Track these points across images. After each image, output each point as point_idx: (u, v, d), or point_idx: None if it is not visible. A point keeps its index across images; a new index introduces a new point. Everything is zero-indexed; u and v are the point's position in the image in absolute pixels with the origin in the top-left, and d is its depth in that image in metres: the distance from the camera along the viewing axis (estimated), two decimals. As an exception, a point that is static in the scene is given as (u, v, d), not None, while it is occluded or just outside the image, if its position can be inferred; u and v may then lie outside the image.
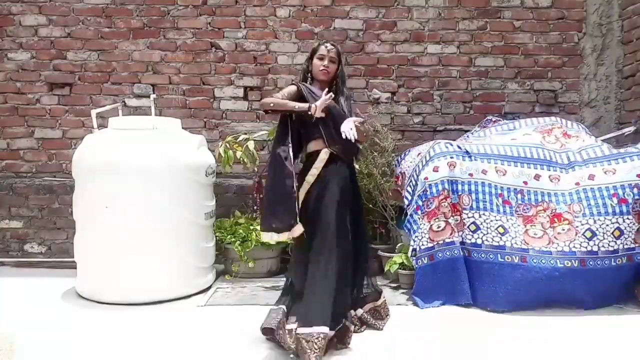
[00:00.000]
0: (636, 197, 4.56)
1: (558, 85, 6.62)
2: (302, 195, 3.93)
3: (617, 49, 6.57)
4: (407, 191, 5.17)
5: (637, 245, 4.53)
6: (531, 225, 4.65)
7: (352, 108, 4.30)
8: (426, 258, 4.81)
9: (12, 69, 6.51)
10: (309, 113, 3.87)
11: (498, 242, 4.62)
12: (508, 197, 4.77)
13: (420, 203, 4.91)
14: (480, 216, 4.75)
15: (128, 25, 6.51)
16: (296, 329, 3.69)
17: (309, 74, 4.22)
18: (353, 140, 3.87)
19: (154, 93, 6.21)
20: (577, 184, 4.75)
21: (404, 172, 5.42)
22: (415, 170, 5.16)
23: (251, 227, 5.67)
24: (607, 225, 4.54)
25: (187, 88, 6.57)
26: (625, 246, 4.53)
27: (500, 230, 4.65)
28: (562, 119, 5.66)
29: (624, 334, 4.09)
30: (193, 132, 5.82)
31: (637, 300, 4.67)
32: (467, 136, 5.92)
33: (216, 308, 4.84)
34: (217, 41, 6.54)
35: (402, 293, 5.16)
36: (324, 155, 3.98)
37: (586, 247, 4.50)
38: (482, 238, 4.68)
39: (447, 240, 4.77)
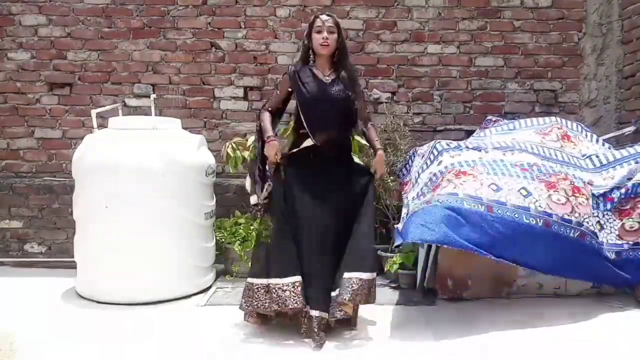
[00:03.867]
0: (622, 196, 4.61)
1: (558, 85, 6.62)
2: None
3: (617, 48, 6.57)
4: (406, 197, 5.11)
5: (623, 241, 4.58)
6: (554, 191, 4.56)
7: (356, 87, 4.27)
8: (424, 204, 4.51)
9: (12, 69, 6.51)
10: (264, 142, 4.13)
11: (522, 202, 4.41)
12: (524, 165, 4.65)
13: (420, 190, 4.86)
14: (499, 179, 4.52)
15: (128, 25, 6.51)
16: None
17: (311, 50, 4.19)
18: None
19: (154, 93, 6.20)
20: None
21: (412, 179, 5.32)
22: (418, 172, 5.14)
23: (251, 227, 5.66)
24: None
25: (187, 88, 6.56)
26: (610, 241, 4.59)
27: (523, 192, 4.46)
28: (562, 119, 5.65)
29: (623, 333, 4.11)
30: (193, 132, 5.81)
31: (637, 300, 4.67)
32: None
33: (216, 308, 4.86)
34: (217, 41, 6.53)
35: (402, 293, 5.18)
36: (308, 143, 4.08)
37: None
38: (505, 197, 4.41)
39: (450, 192, 4.45)
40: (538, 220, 4.31)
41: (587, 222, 4.48)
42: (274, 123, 4.24)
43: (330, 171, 4.11)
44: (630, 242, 4.56)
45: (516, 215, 4.28)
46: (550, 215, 4.35)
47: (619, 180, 4.70)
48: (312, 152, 4.09)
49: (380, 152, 4.32)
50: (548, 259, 4.44)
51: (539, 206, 4.37)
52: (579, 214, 4.46)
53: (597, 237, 4.52)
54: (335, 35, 4.11)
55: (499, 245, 4.25)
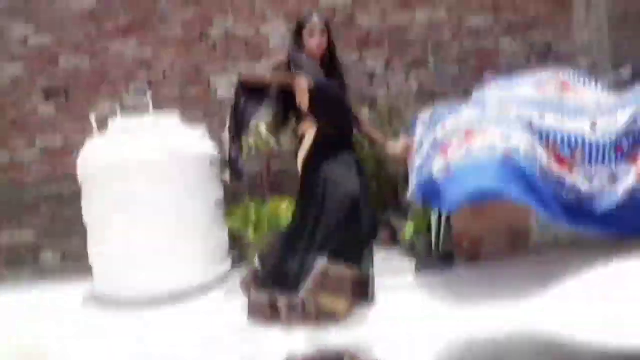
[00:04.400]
0: (631, 143, 4.58)
1: (550, 34, 6.59)
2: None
3: (607, -8, 6.54)
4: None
5: None
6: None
7: (343, 85, 4.28)
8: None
9: (7, 82, 6.52)
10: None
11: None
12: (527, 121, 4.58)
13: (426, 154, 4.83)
14: (508, 128, 4.42)
15: (117, 25, 6.50)
16: None
17: (301, 49, 4.17)
18: None
19: (150, 89, 6.20)
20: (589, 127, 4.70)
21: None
22: (422, 141, 5.11)
23: (262, 211, 5.68)
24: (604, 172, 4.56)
25: (183, 81, 6.56)
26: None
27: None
28: (559, 71, 5.61)
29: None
30: (193, 123, 5.81)
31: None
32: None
33: (236, 296, 4.84)
34: (208, 31, 6.52)
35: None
36: (312, 131, 4.07)
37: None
38: (518, 145, 4.27)
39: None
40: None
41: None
42: None
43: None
44: None
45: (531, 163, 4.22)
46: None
47: (624, 126, 4.66)
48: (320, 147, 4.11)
49: (392, 151, 4.61)
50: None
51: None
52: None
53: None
54: (327, 36, 4.12)
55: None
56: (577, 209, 4.45)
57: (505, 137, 4.28)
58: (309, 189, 4.11)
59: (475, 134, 4.44)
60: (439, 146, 4.61)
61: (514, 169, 4.09)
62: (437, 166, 4.43)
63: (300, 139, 4.19)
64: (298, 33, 4.15)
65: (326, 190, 3.97)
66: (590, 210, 4.47)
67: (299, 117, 4.18)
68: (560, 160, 4.54)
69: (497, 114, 4.63)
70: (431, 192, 4.39)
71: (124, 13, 6.48)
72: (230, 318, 4.25)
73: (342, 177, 4.00)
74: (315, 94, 4.00)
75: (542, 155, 4.35)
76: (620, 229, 4.55)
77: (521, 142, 4.26)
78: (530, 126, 4.51)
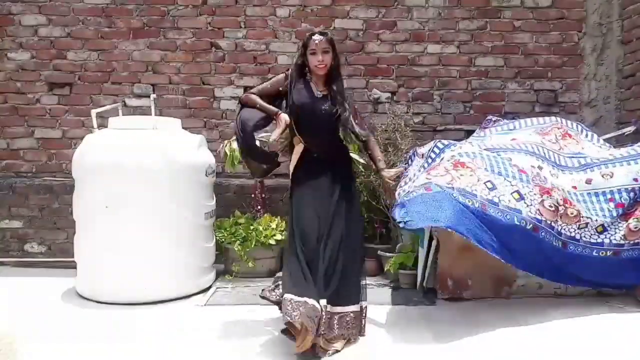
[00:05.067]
0: (632, 201, 4.57)
1: (558, 85, 6.62)
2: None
3: (617, 48, 6.57)
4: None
5: (626, 242, 4.53)
6: (548, 197, 4.52)
7: (346, 103, 4.19)
8: (422, 188, 4.40)
9: (12, 69, 6.51)
10: (274, 119, 4.09)
11: (515, 205, 4.37)
12: (523, 167, 4.59)
13: (425, 165, 4.88)
14: (496, 179, 4.48)
15: (128, 25, 6.51)
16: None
17: (307, 68, 4.18)
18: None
19: (154, 93, 6.19)
20: (574, 187, 4.71)
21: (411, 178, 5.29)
22: (415, 172, 5.12)
23: (251, 227, 5.67)
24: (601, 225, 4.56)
25: (187, 88, 6.56)
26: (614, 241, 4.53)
27: (516, 196, 4.41)
28: (562, 119, 5.64)
29: (623, 333, 4.09)
30: (193, 132, 5.80)
31: (637, 300, 4.67)
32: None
33: (216, 308, 4.86)
34: (217, 41, 6.53)
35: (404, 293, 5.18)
36: (298, 148, 4.11)
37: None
38: (499, 197, 4.36)
39: (447, 185, 4.37)
40: (528, 224, 4.32)
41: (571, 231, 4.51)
42: None
43: (327, 181, 4.12)
44: (631, 242, 4.55)
45: (508, 217, 4.28)
46: (540, 221, 4.35)
47: (622, 181, 4.67)
48: (310, 160, 4.13)
49: (385, 175, 4.32)
50: (537, 262, 4.49)
51: (529, 212, 4.36)
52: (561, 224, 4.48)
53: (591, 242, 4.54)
54: (330, 55, 4.10)
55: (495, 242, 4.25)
56: (555, 264, 4.51)
57: (488, 185, 4.40)
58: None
59: (465, 165, 4.54)
60: (426, 170, 4.73)
61: (484, 220, 4.20)
62: (418, 182, 4.52)
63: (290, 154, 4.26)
64: (303, 53, 4.16)
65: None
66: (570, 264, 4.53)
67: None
68: (567, 201, 4.56)
69: (491, 157, 4.67)
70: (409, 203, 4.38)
71: (136, 14, 6.49)
72: (206, 331, 4.23)
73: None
74: (299, 116, 4.10)
75: (532, 203, 4.38)
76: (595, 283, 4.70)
77: (504, 195, 4.36)
78: (525, 175, 4.54)
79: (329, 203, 4.04)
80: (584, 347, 3.83)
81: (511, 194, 4.38)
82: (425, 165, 5.03)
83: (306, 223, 3.96)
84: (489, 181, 4.42)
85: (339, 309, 3.92)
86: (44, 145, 6.56)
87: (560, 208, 4.44)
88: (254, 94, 4.21)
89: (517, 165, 4.60)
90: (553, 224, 4.38)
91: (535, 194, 4.42)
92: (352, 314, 3.97)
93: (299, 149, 4.13)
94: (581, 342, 3.93)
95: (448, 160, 4.65)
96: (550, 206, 4.39)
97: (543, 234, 4.33)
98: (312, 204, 4.02)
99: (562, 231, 4.43)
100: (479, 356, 3.74)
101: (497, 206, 4.28)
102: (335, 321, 3.89)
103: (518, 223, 4.25)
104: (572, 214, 4.48)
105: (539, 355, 3.73)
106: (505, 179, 4.48)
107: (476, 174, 4.47)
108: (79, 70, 6.53)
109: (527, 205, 4.35)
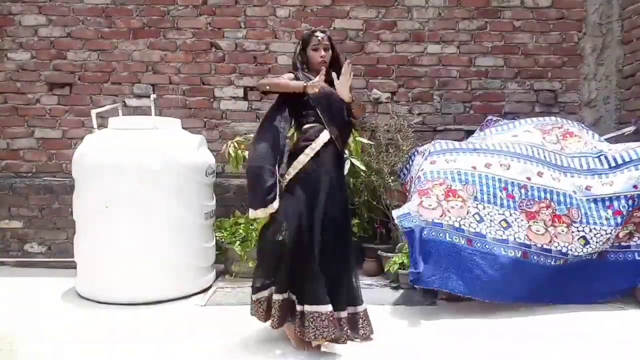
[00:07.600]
0: (630, 208, 4.59)
1: (558, 85, 6.62)
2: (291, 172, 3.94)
3: (617, 48, 6.57)
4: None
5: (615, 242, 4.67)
6: (534, 222, 4.61)
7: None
8: (416, 225, 4.53)
9: (12, 69, 6.51)
10: (305, 89, 3.90)
11: (501, 235, 4.54)
12: (512, 191, 4.69)
13: (414, 187, 4.89)
14: (484, 208, 4.62)
15: (128, 25, 6.51)
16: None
17: (304, 65, 4.16)
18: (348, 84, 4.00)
19: (154, 93, 6.19)
20: (574, 192, 4.74)
21: (413, 177, 5.32)
22: (416, 169, 5.16)
23: (251, 227, 5.66)
24: (602, 235, 4.57)
25: (187, 88, 6.56)
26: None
27: (503, 224, 4.60)
28: (562, 119, 5.65)
29: (623, 334, 4.10)
30: (193, 132, 5.80)
31: (637, 301, 4.67)
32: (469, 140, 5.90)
33: (216, 308, 4.85)
34: (217, 41, 6.53)
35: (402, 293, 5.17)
36: (325, 136, 3.95)
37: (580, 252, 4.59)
38: (486, 230, 4.53)
39: (436, 221, 4.54)
40: (516, 252, 4.49)
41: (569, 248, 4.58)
42: None
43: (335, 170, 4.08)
44: (620, 244, 4.62)
45: (495, 249, 4.47)
46: (529, 246, 4.52)
47: (621, 188, 4.68)
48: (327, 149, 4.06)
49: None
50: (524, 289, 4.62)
51: (518, 237, 4.54)
52: (558, 242, 4.58)
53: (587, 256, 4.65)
54: (330, 51, 4.12)
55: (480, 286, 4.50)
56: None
57: (476, 217, 4.59)
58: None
59: (456, 194, 4.67)
60: (418, 191, 4.78)
61: (468, 255, 4.48)
62: (413, 205, 4.67)
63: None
64: (303, 49, 4.16)
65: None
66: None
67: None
68: (556, 217, 4.61)
69: (483, 177, 4.78)
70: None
71: (136, 14, 6.49)
72: (206, 331, 4.23)
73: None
74: (320, 107, 4.00)
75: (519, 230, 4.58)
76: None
77: (490, 227, 4.53)
78: (512, 201, 4.67)
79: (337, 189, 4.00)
80: (584, 347, 3.84)
81: (499, 222, 4.59)
82: (421, 165, 5.07)
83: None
84: (476, 214, 4.62)
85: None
86: (44, 145, 6.56)
87: (550, 229, 4.59)
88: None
89: (507, 189, 4.72)
90: (546, 245, 4.54)
91: (522, 220, 4.61)
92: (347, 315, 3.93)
93: (324, 136, 3.96)
94: (581, 342, 3.93)
95: (440, 185, 4.73)
96: (537, 230, 4.49)
97: (535, 258, 4.51)
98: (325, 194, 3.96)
99: (562, 250, 4.58)
100: (479, 356, 3.74)
101: (484, 238, 4.52)
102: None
103: (505, 253, 4.46)
104: (562, 231, 4.61)
105: (539, 355, 3.73)
106: (493, 206, 4.65)
107: (466, 205, 4.63)
108: (79, 70, 6.53)
109: (515, 232, 4.56)
